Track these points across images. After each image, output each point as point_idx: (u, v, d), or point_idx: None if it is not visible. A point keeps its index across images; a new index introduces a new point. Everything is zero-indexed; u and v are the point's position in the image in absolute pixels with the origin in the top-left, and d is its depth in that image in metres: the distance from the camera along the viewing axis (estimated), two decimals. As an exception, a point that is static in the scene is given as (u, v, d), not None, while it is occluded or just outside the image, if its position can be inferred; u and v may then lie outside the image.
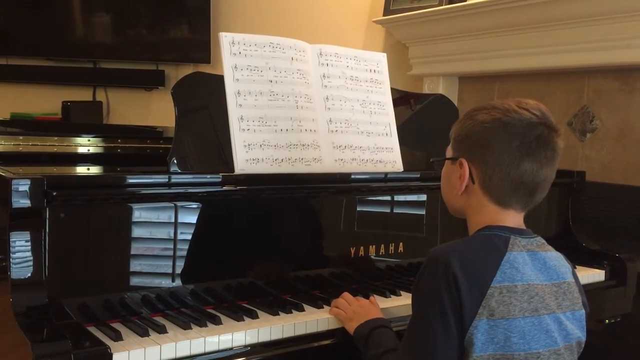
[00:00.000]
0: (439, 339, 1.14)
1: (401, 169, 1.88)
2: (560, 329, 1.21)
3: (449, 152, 1.33)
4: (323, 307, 1.50)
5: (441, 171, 1.37)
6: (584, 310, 1.27)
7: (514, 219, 1.26)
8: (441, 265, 1.16)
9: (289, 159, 1.66)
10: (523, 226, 1.28)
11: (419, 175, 1.87)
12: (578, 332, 1.24)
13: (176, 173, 1.52)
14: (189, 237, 1.44)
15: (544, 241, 1.29)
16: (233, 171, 1.58)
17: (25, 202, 1.22)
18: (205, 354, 1.28)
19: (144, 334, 1.27)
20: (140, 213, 1.38)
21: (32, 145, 2.09)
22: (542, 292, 1.20)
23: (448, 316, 1.14)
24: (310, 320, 1.43)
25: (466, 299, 1.13)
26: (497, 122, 1.22)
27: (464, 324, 1.14)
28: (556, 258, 1.28)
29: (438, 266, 1.16)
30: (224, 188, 1.51)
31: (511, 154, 1.21)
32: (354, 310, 1.44)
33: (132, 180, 1.39)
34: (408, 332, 1.22)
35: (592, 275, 2.00)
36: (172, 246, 1.43)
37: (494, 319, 1.14)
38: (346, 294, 1.52)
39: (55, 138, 2.14)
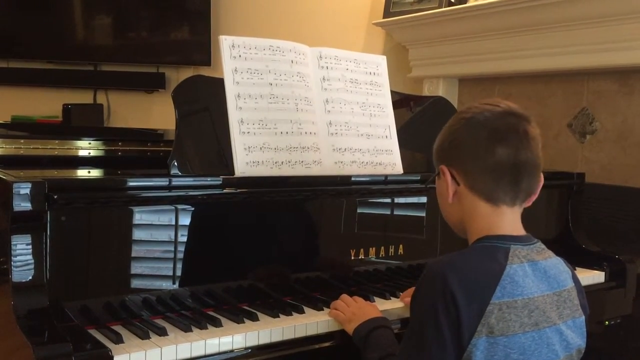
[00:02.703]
0: (435, 356, 1.13)
1: (401, 171, 1.89)
2: (561, 340, 1.20)
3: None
4: (323, 309, 1.50)
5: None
6: (584, 316, 1.26)
7: (509, 219, 1.23)
8: (439, 282, 1.13)
9: (289, 162, 1.67)
10: (522, 231, 1.26)
11: (418, 178, 1.87)
12: (579, 340, 1.23)
13: (177, 176, 1.53)
14: (190, 239, 1.45)
15: (544, 247, 1.27)
16: (233, 174, 1.58)
17: (27, 206, 1.22)
18: (205, 356, 1.28)
19: (144, 336, 1.27)
20: (140, 216, 1.39)
21: (33, 148, 2.08)
22: (543, 304, 1.18)
23: (444, 334, 1.11)
24: (311, 323, 1.43)
25: (465, 317, 1.11)
26: (461, 120, 1.27)
27: (463, 341, 1.12)
28: (556, 265, 1.25)
29: (435, 283, 1.14)
30: (224, 191, 1.51)
31: (482, 143, 1.22)
32: (352, 312, 1.44)
33: (132, 183, 1.40)
34: (404, 345, 1.21)
35: (592, 276, 2.00)
36: (172, 249, 1.43)
37: (493, 336, 1.12)
38: (344, 296, 1.52)
39: (56, 141, 2.13)
